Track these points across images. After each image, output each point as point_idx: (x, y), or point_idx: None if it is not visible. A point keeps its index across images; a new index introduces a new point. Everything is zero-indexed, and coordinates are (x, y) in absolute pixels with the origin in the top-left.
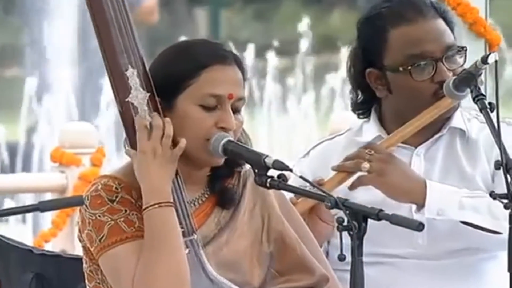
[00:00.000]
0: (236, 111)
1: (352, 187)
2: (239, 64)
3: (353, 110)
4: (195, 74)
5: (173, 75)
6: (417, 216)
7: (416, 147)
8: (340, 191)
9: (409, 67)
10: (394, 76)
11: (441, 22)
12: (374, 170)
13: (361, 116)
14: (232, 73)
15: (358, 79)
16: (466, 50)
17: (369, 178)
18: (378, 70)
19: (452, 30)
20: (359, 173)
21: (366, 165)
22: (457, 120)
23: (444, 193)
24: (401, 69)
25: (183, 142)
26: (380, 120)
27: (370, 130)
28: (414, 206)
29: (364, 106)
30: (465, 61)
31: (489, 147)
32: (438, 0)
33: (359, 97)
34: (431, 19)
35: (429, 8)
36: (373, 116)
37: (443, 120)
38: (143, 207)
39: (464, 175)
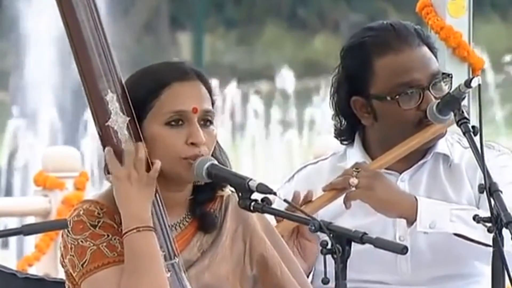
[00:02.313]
0: (206, 124)
1: (346, 206)
2: (202, 79)
3: (336, 137)
4: (156, 94)
5: (136, 98)
6: (402, 241)
7: (401, 173)
8: (325, 216)
9: (397, 96)
10: (381, 105)
11: (426, 50)
12: (362, 185)
13: (344, 142)
14: (193, 88)
15: (342, 106)
16: (451, 77)
17: (358, 193)
18: (364, 98)
19: (435, 56)
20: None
21: (354, 180)
22: (442, 145)
23: (435, 206)
24: (388, 98)
25: (157, 164)
26: (364, 147)
27: (355, 156)
28: (398, 233)
29: (347, 132)
30: (450, 88)
31: (472, 172)
32: (421, 26)
33: (343, 123)
34: (416, 47)
35: (413, 36)
36: (357, 142)
37: (428, 146)
38: (123, 232)
39: (448, 200)
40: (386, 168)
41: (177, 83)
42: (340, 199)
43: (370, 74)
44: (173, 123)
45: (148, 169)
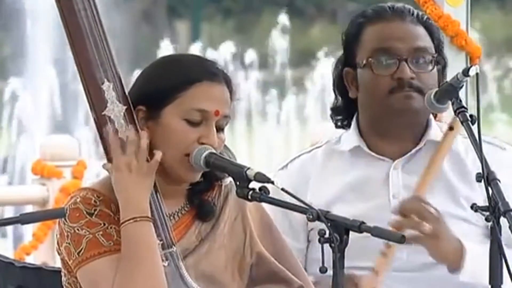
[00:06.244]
0: (219, 129)
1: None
2: (228, 84)
3: (332, 116)
4: (184, 88)
5: (162, 86)
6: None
7: (394, 160)
8: (319, 204)
9: (372, 60)
10: (360, 72)
11: (418, 28)
12: (432, 233)
13: (338, 123)
14: (220, 91)
15: (338, 81)
16: (436, 58)
17: (423, 239)
18: (353, 69)
19: (434, 41)
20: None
21: (427, 227)
22: (434, 133)
23: (479, 258)
24: (364, 62)
25: (158, 155)
26: (360, 131)
27: (350, 139)
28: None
29: (342, 111)
30: (433, 68)
31: (472, 152)
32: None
33: (338, 101)
34: (408, 22)
35: (409, 13)
36: (353, 125)
37: (421, 133)
38: (120, 221)
39: (447, 184)
40: (380, 154)
41: (207, 82)
42: (333, 186)
43: (358, 42)
44: (192, 120)
45: (150, 158)
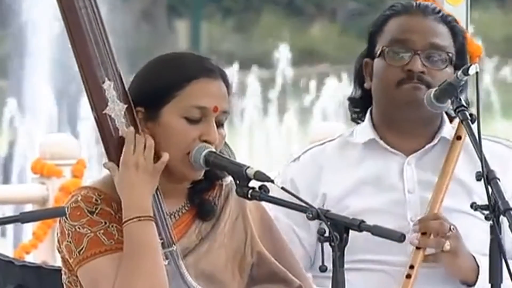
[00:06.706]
0: (219, 125)
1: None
2: (225, 79)
3: (349, 108)
4: (181, 86)
5: (159, 85)
6: (411, 226)
7: (407, 156)
8: (333, 197)
9: (387, 50)
10: (375, 61)
11: (441, 27)
12: (452, 250)
13: (354, 115)
14: (217, 86)
15: (357, 72)
16: (451, 58)
17: (443, 256)
18: (371, 59)
19: (455, 42)
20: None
21: (447, 246)
22: (447, 130)
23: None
24: (380, 51)
25: (165, 157)
26: (373, 124)
27: (364, 132)
28: (409, 214)
29: (359, 103)
30: (445, 67)
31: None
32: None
33: (357, 91)
34: (431, 20)
35: (433, 11)
36: (367, 118)
37: (434, 130)
38: (123, 220)
39: (462, 183)
40: (394, 148)
41: (204, 79)
42: (347, 178)
43: (381, 33)
44: (192, 118)
45: (156, 160)
